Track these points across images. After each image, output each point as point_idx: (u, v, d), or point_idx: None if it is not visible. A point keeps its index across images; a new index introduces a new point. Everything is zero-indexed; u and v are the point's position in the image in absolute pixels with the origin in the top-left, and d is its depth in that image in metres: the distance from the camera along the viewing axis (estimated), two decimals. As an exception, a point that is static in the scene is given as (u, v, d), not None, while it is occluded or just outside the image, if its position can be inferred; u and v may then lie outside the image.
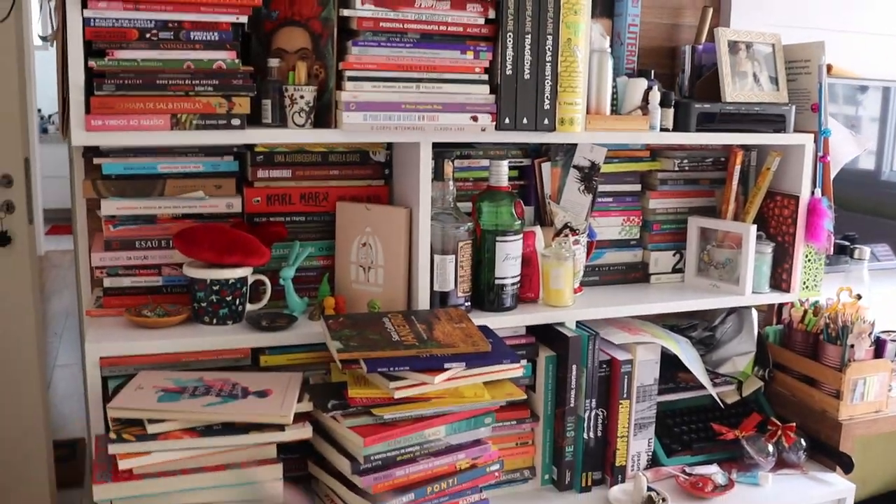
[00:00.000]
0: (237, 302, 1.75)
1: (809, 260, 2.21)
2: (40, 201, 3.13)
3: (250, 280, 1.78)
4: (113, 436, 1.47)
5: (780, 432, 2.05)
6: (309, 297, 1.88)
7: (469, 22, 1.74)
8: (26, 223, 2.77)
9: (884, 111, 2.90)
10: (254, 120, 1.70)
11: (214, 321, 1.74)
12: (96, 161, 1.75)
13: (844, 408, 2.05)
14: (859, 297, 2.19)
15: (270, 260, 1.79)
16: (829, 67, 2.28)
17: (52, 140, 6.32)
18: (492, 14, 1.75)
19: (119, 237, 1.77)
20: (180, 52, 1.61)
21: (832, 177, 2.24)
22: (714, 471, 1.97)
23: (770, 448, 2.02)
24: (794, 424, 2.06)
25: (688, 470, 1.97)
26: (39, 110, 6.16)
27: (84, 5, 1.55)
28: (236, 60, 1.64)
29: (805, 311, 2.19)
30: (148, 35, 1.60)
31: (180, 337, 1.68)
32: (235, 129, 1.63)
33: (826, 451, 2.07)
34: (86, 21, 1.56)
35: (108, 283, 1.79)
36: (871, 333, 2.10)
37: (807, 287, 2.23)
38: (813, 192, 2.17)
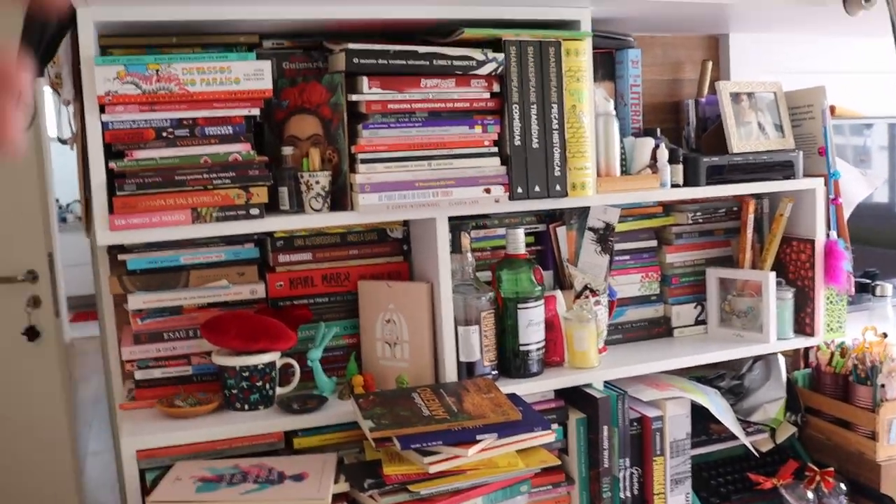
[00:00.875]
0: (267, 386, 1.78)
1: (831, 302, 2.21)
2: (64, 292, 3.18)
3: (279, 364, 1.81)
4: (154, 530, 1.48)
5: (818, 478, 2.03)
6: (337, 377, 1.90)
7: (475, 97, 1.78)
8: (53, 316, 2.81)
9: (892, 145, 2.91)
10: (272, 207, 1.74)
11: (246, 407, 1.76)
12: (121, 257, 1.79)
13: (882, 448, 2.04)
14: (885, 335, 2.19)
15: (297, 342, 1.82)
16: (833, 109, 2.30)
17: (71, 229, 6.40)
18: (496, 88, 1.79)
19: (147, 330, 1.80)
20: (196, 147, 1.66)
21: (846, 217, 2.25)
22: (754, 522, 1.96)
23: (810, 495, 2.00)
24: (832, 469, 2.05)
25: (727, 523, 1.96)
26: (57, 200, 6.25)
27: (102, 110, 1.60)
28: (251, 152, 1.68)
29: (832, 354, 2.19)
30: (164, 133, 1.64)
31: (214, 425, 1.70)
32: (255, 218, 1.67)
33: (867, 494, 2.05)
34: (104, 125, 1.61)
35: (139, 375, 1.81)
36: (899, 371, 2.09)
37: (831, 329, 2.23)
38: (828, 235, 2.18)
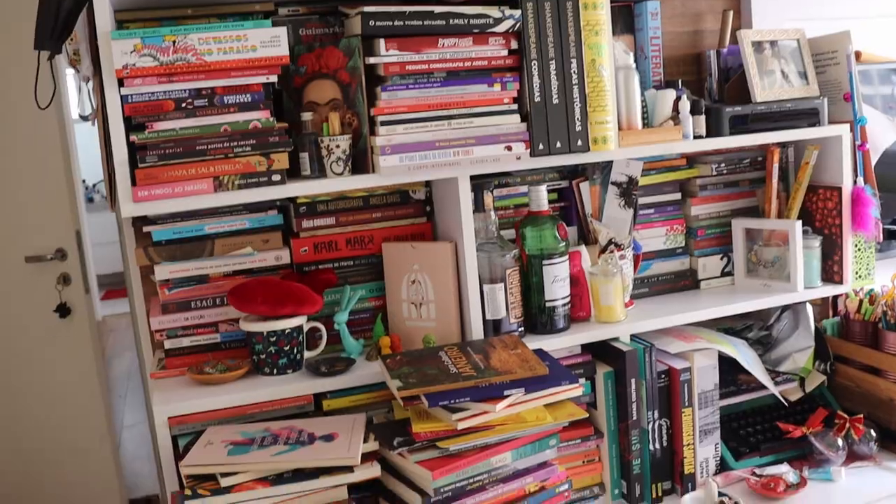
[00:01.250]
0: (295, 351, 1.79)
1: (859, 249, 2.19)
2: (93, 269, 3.22)
3: (305, 328, 1.82)
4: (188, 492, 1.50)
5: (848, 425, 2.03)
6: (364, 339, 1.92)
7: (493, 55, 1.77)
8: (83, 293, 2.85)
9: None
10: (293, 173, 1.75)
11: (275, 371, 1.78)
12: (146, 229, 1.81)
13: (911, 394, 2.03)
14: (915, 280, 2.17)
15: (323, 306, 1.83)
16: (858, 55, 2.27)
17: (98, 208, 6.48)
18: (514, 45, 1.78)
19: (175, 300, 1.82)
20: (216, 116, 1.66)
21: (873, 164, 2.22)
22: (785, 470, 1.95)
23: (840, 442, 2.00)
24: (862, 415, 2.04)
25: (758, 471, 1.96)
26: (84, 180, 6.32)
27: (120, 84, 1.61)
28: (271, 119, 1.69)
29: (860, 301, 2.17)
30: (184, 104, 1.65)
31: (243, 390, 1.72)
32: (277, 184, 1.68)
33: (898, 440, 2.05)
34: (123, 98, 1.61)
35: (168, 344, 1.84)
36: (930, 316, 2.07)
37: (860, 276, 2.21)
38: (855, 182, 2.16)
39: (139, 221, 1.85)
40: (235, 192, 1.67)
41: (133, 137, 1.62)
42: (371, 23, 1.69)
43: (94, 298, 3.13)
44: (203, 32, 1.62)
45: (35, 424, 2.85)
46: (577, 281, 1.95)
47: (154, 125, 1.64)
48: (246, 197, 1.68)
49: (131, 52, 1.59)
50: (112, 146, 1.62)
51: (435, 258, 1.85)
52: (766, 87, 2.09)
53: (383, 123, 1.72)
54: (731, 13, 2.28)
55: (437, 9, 1.72)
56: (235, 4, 1.80)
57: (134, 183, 1.62)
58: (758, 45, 2.11)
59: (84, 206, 3.47)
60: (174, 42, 1.61)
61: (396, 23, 1.70)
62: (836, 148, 2.13)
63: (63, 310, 2.81)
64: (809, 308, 2.19)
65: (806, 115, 2.10)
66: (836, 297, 2.27)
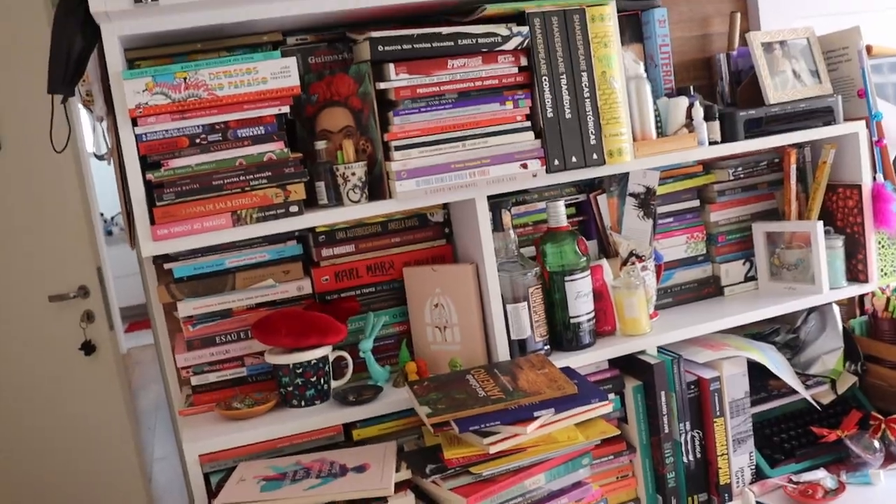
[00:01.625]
0: (322, 381, 1.79)
1: (883, 246, 2.17)
2: (116, 304, 3.23)
3: (331, 358, 1.82)
4: (224, 532, 1.50)
5: (883, 426, 2.00)
6: (391, 365, 1.91)
7: (503, 73, 1.77)
8: (108, 329, 2.86)
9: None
10: (310, 203, 1.74)
11: (303, 403, 1.78)
12: (167, 266, 1.81)
13: (946, 391, 2.00)
14: (940, 275, 2.15)
15: (347, 335, 1.82)
16: (870, 49, 2.25)
17: (117, 241, 6.52)
18: (524, 61, 1.78)
19: (199, 336, 1.82)
20: (231, 150, 1.66)
21: (892, 159, 2.20)
22: (822, 476, 1.93)
23: (876, 444, 1.97)
24: (897, 415, 2.02)
25: (794, 479, 1.94)
26: (102, 214, 6.35)
27: (134, 123, 1.61)
28: (285, 150, 1.69)
29: (888, 299, 2.15)
30: (198, 140, 1.65)
31: (272, 424, 1.72)
32: (294, 215, 1.68)
33: (934, 438, 2.02)
34: (138, 137, 1.62)
35: (195, 381, 1.84)
36: (959, 309, 2.05)
37: (885, 274, 2.18)
38: (875, 178, 2.14)
39: (160, 259, 1.85)
40: (254, 226, 1.67)
41: (149, 176, 1.63)
42: (380, 48, 1.69)
43: (119, 333, 3.15)
44: (213, 67, 1.63)
45: (67, 463, 2.86)
46: (600, 295, 1.93)
47: (169, 162, 1.64)
48: (264, 230, 1.68)
49: (143, 91, 1.60)
50: (129, 185, 1.62)
51: (456, 280, 1.84)
52: (779, 88, 2.07)
53: (398, 148, 1.72)
54: (738, 15, 2.26)
55: (445, 30, 1.72)
56: (244, 36, 1.80)
57: (152, 222, 1.63)
58: (767, 46, 2.09)
59: (104, 241, 3.49)
60: (185, 79, 1.62)
61: (405, 46, 1.69)
62: (853, 145, 2.11)
63: (88, 347, 2.82)
64: (836, 309, 2.17)
65: (821, 114, 2.08)
66: (862, 297, 2.25)
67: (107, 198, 3.94)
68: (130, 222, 1.75)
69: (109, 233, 7.22)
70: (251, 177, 1.66)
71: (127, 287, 4.81)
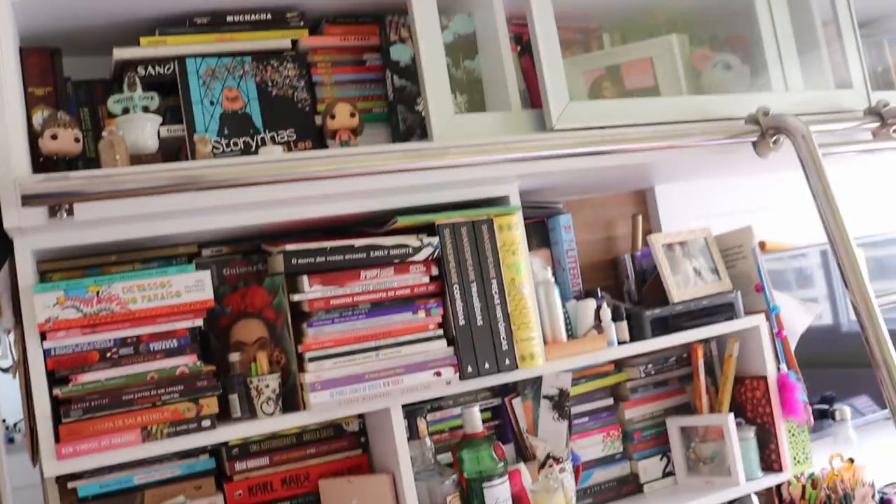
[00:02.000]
0: None
1: (793, 434, 2.22)
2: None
3: (244, 578, 1.74)
4: None
5: None
6: (307, 583, 1.84)
7: (415, 283, 1.81)
8: (6, 548, 2.70)
9: (826, 270, 2.97)
10: (224, 415, 1.71)
11: None
12: (70, 485, 1.73)
13: (867, 583, 2.01)
14: (851, 460, 2.19)
15: (262, 554, 1.76)
16: (763, 245, 2.38)
17: (20, 449, 6.21)
18: (435, 271, 1.83)
19: (104, 560, 1.73)
20: (142, 364, 1.64)
21: (793, 348, 2.28)
22: None
23: None
24: None
25: None
26: (3, 420, 6.09)
27: (43, 337, 1.58)
28: (198, 363, 1.67)
29: (804, 487, 2.18)
30: (108, 354, 1.62)
31: None
32: (207, 430, 1.64)
33: None
34: (46, 352, 1.58)
35: None
36: (873, 495, 2.08)
37: (798, 462, 2.22)
38: (779, 369, 2.21)
39: (63, 476, 1.78)
40: (165, 441, 1.62)
41: (56, 391, 1.58)
42: (294, 261, 1.72)
43: (17, 550, 2.96)
44: (127, 281, 1.62)
45: None
46: (519, 499, 1.91)
47: (78, 377, 1.60)
48: (175, 445, 1.64)
49: (54, 305, 1.57)
50: (34, 402, 1.58)
51: (373, 492, 1.80)
52: (682, 286, 2.16)
53: (311, 359, 1.72)
54: (640, 217, 2.38)
55: (358, 242, 1.76)
56: (159, 249, 1.81)
57: (57, 440, 1.57)
58: (668, 247, 2.19)
59: (4, 449, 3.34)
60: (98, 292, 1.61)
61: (318, 259, 1.73)
62: (755, 338, 2.19)
63: (-17, 570, 2.64)
64: (755, 499, 2.18)
65: (723, 310, 2.17)
66: (779, 486, 2.27)
67: (9, 403, 3.80)
68: (33, 438, 1.69)
69: (11, 440, 6.89)
70: (162, 391, 1.63)
71: (25, 499, 4.57)
